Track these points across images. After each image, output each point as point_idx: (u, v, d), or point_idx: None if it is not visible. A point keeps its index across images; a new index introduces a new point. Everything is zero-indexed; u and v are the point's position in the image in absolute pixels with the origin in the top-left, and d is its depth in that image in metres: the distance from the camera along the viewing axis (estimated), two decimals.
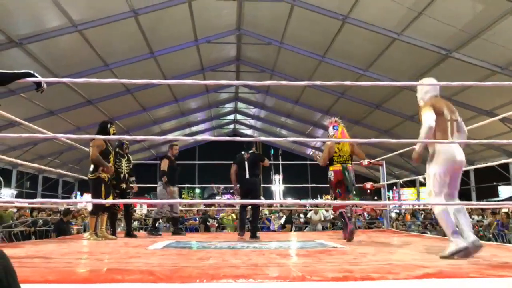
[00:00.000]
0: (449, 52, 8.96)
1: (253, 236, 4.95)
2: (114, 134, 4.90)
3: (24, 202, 6.06)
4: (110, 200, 4.56)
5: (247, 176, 5.15)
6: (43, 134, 4.26)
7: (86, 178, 4.85)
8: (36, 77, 2.80)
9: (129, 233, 5.63)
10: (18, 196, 15.55)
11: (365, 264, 2.66)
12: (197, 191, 26.06)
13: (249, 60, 13.52)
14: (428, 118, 3.06)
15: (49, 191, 17.37)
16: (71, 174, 8.66)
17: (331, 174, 5.02)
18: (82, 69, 10.40)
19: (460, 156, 3.04)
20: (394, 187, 19.23)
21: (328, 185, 5.11)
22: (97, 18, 8.67)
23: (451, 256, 2.82)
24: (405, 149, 5.71)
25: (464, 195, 13.47)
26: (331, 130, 5.14)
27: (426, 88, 3.30)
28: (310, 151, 19.54)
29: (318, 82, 3.51)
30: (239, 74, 14.93)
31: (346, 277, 2.14)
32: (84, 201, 5.23)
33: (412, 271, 2.27)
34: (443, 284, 2.05)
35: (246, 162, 5.22)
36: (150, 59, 11.05)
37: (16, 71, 2.76)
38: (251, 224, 5.12)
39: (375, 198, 21.77)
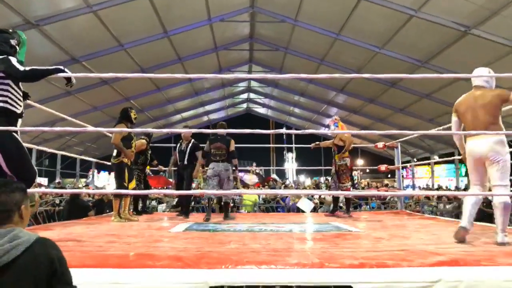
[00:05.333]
0: (468, 29, 8.76)
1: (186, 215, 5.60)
2: (135, 118, 5.05)
3: (60, 192, 6.48)
4: (150, 191, 4.78)
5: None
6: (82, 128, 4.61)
7: (102, 159, 5.07)
8: (67, 72, 2.90)
9: (144, 210, 6.35)
10: (38, 173, 16.17)
11: (381, 250, 2.76)
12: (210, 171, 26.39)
13: (262, 38, 13.42)
14: (452, 125, 3.44)
15: (68, 169, 17.87)
16: (88, 158, 8.87)
17: (347, 160, 5.58)
18: (97, 49, 10.51)
19: (479, 148, 3.11)
20: (409, 165, 19.19)
21: (343, 169, 5.42)
22: None
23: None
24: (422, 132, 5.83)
25: None
26: (332, 127, 5.78)
27: (472, 79, 3.37)
28: (323, 129, 19.50)
29: (367, 75, 3.50)
30: (253, 53, 14.86)
31: (363, 264, 2.24)
32: (114, 191, 5.41)
33: (426, 259, 2.37)
34: (456, 272, 2.14)
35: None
36: (164, 38, 11.08)
37: (48, 67, 2.86)
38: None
39: (389, 176, 21.74)
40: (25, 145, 2.86)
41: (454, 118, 3.39)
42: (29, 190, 1.78)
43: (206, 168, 5.72)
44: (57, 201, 7.60)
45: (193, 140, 5.92)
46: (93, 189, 12.33)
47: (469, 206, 3.18)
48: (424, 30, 9.42)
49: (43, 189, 8.95)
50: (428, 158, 18.53)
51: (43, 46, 9.31)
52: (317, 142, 6.44)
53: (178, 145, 5.98)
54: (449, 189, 16.96)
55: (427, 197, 10.67)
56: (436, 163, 20.01)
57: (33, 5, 8.15)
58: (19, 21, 8.18)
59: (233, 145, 5.51)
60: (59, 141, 15.52)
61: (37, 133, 13.66)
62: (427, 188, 17.55)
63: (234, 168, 5.79)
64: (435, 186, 18.33)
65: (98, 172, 21.22)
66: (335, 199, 6.15)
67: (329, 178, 6.39)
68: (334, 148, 5.82)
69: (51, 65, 2.95)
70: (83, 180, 20.15)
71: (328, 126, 6.34)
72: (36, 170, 2.90)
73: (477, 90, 3.26)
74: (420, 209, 9.10)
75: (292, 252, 2.69)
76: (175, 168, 6.14)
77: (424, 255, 2.51)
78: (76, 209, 6.33)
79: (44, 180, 18.29)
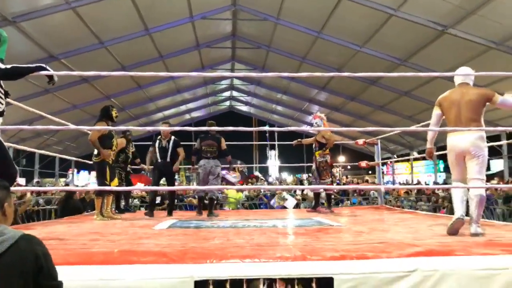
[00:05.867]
0: (445, 28, 8.99)
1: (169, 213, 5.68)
2: (116, 116, 5.01)
3: (45, 190, 6.40)
4: (143, 187, 4.73)
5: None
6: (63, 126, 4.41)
7: (82, 158, 5.03)
8: (49, 70, 2.88)
9: (126, 208, 6.33)
10: None
11: (361, 243, 2.85)
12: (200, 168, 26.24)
13: (245, 36, 13.44)
14: (432, 116, 3.50)
15: (46, 169, 17.50)
16: (67, 157, 8.75)
17: (328, 157, 5.75)
18: (76, 46, 10.34)
19: (462, 143, 3.20)
20: (389, 162, 19.55)
21: (323, 166, 5.54)
22: None
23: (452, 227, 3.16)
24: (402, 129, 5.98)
25: None
26: (319, 121, 5.94)
27: (456, 77, 3.49)
28: (305, 127, 19.68)
29: (346, 74, 3.59)
30: (235, 51, 14.85)
31: (343, 257, 2.32)
32: (95, 188, 5.38)
33: (403, 250, 2.46)
34: (432, 262, 2.23)
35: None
36: (145, 36, 10.97)
37: (30, 65, 2.84)
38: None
39: (369, 172, 22.08)
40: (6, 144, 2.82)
41: (436, 111, 3.45)
42: (14, 189, 1.78)
43: (195, 166, 5.79)
44: (40, 201, 7.48)
45: (173, 136, 5.86)
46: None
47: (459, 199, 3.24)
48: (403, 29, 9.62)
49: (31, 187, 8.75)
50: (408, 155, 18.95)
51: (20, 43, 9.10)
52: (299, 140, 6.54)
53: (158, 142, 5.79)
54: (427, 185, 17.37)
55: (407, 192, 10.94)
56: (415, 159, 20.45)
57: (9, 1, 7.97)
58: None
59: (224, 143, 5.73)
60: (37, 140, 15.17)
61: (14, 132, 13.34)
62: (407, 183, 17.95)
63: (228, 165, 6.21)
64: (415, 182, 18.77)
65: (78, 172, 20.87)
66: (317, 195, 6.23)
67: (310, 175, 6.37)
68: (315, 144, 5.93)
69: (28, 62, 2.92)
70: (63, 179, 19.78)
71: (311, 124, 6.46)
72: (17, 169, 2.87)
73: (462, 88, 3.37)
74: (400, 204, 9.32)
75: (275, 246, 2.74)
76: (152, 166, 6.03)
77: (402, 246, 2.60)
78: (69, 209, 6.26)
79: (22, 180, 17.86)
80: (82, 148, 17.67)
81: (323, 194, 6.62)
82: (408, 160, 20.70)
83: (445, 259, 2.28)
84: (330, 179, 5.85)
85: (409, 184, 15.56)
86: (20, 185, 14.49)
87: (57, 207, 6.77)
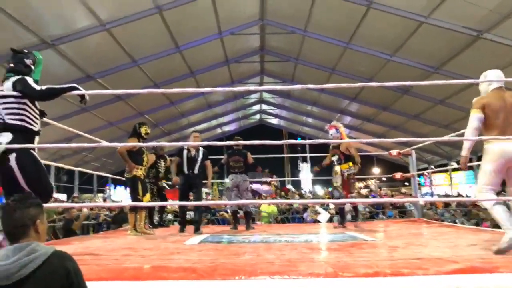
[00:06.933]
0: (480, 33, 8.68)
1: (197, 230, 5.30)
2: (146, 133, 5.14)
3: (87, 206, 6.77)
4: (172, 202, 4.82)
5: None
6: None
7: (118, 174, 5.19)
8: (80, 90, 3.00)
9: (160, 223, 6.45)
10: (56, 189, 16.65)
11: (396, 259, 2.73)
12: (227, 181, 26.44)
13: (273, 49, 13.53)
14: (472, 119, 3.11)
15: (85, 185, 18.13)
16: (102, 174, 9.01)
17: (355, 169, 5.63)
18: (111, 66, 10.75)
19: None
20: (426, 173, 18.87)
21: (351, 179, 5.42)
22: (124, 16, 8.91)
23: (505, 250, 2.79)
24: (439, 138, 5.71)
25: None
26: (334, 132, 5.71)
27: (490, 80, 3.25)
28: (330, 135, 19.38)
29: (375, 84, 3.53)
30: (264, 64, 14.96)
31: (377, 273, 2.22)
32: (128, 204, 5.48)
33: (442, 267, 2.33)
34: (473, 280, 2.10)
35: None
36: (176, 53, 11.27)
37: (63, 86, 2.96)
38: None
39: (405, 184, 21.46)
40: (44, 161, 2.94)
41: (478, 115, 3.10)
42: (54, 205, 1.83)
43: (219, 180, 5.96)
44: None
45: (201, 148, 5.65)
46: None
47: (504, 213, 2.94)
48: (435, 36, 9.37)
49: (60, 204, 9.09)
50: (446, 165, 18.22)
51: (59, 65, 9.57)
52: (317, 167, 6.22)
53: (186, 152, 5.50)
54: (469, 196, 16.60)
55: (447, 205, 10.47)
56: (454, 169, 19.64)
57: (49, 26, 8.41)
58: (36, 41, 8.43)
59: (250, 157, 5.87)
60: (76, 157, 15.79)
61: (55, 150, 13.95)
62: (446, 195, 17.23)
63: (261, 178, 6.22)
64: (454, 193, 17.96)
65: (115, 187, 21.46)
66: (342, 209, 5.95)
67: (331, 189, 6.00)
68: (340, 157, 5.66)
69: (67, 83, 3.06)
70: (100, 195, 20.39)
71: (326, 131, 6.02)
72: (53, 186, 2.97)
73: (500, 92, 3.16)
74: (439, 217, 8.94)
75: (306, 262, 2.68)
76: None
77: (440, 263, 2.47)
78: (118, 221, 6.61)
79: (63, 196, 18.58)
80: (118, 164, 18.20)
81: (347, 208, 6.44)
82: (446, 171, 19.90)
83: (488, 277, 2.14)
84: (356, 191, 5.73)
85: (447, 196, 14.93)
86: (62, 201, 15.11)
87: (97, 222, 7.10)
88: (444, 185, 21.24)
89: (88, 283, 1.62)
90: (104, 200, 17.12)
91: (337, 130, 5.69)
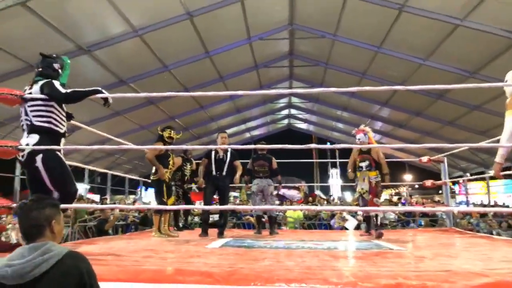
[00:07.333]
0: None
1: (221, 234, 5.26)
2: (169, 136, 5.21)
3: (122, 207, 6.98)
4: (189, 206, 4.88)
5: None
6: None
7: (148, 176, 5.28)
8: (104, 93, 3.08)
9: (185, 226, 6.57)
10: (90, 190, 17.35)
11: (421, 270, 2.61)
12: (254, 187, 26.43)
13: (302, 54, 13.44)
14: (509, 122, 2.90)
15: (118, 186, 18.67)
16: (133, 177, 9.22)
17: (380, 176, 5.37)
18: (143, 71, 11.01)
19: None
20: (461, 181, 18.12)
21: (378, 186, 5.21)
22: (155, 22, 9.12)
23: None
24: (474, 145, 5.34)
25: None
26: (362, 136, 5.48)
27: None
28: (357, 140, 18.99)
29: (401, 87, 3.44)
30: (293, 69, 14.91)
31: (399, 285, 2.13)
32: (156, 206, 5.52)
33: (470, 280, 2.20)
34: None
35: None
36: (206, 58, 11.41)
37: (87, 89, 3.05)
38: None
39: (439, 192, 20.73)
40: (78, 164, 3.05)
41: None
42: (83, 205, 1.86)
43: (248, 184, 5.92)
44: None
45: (229, 148, 5.59)
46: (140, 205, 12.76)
47: None
48: (472, 39, 9.01)
49: (77, 205, 9.37)
50: (483, 173, 17.42)
51: (94, 70, 9.92)
52: (350, 173, 5.66)
53: (214, 153, 5.40)
54: (507, 206, 15.78)
55: (483, 215, 10.00)
56: (492, 178, 18.76)
57: (84, 32, 8.73)
58: (72, 48, 8.78)
59: (275, 162, 5.87)
60: (109, 159, 16.28)
61: (89, 152, 14.46)
62: (482, 205, 16.48)
63: (278, 183, 6.08)
64: (492, 203, 17.13)
65: (146, 189, 21.93)
66: (368, 217, 5.65)
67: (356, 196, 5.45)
68: (372, 163, 5.33)
69: (101, 87, 3.13)
70: (132, 196, 20.90)
71: (353, 136, 5.69)
72: (78, 187, 3.05)
73: None
74: (474, 227, 8.54)
75: (325, 270, 2.61)
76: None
77: (469, 276, 2.34)
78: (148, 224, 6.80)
79: (96, 197, 19.19)
80: (149, 167, 18.42)
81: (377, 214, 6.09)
82: (483, 179, 19.03)
83: None
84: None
85: (484, 206, 14.25)
86: (95, 202, 15.60)
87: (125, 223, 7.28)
88: (481, 194, 20.34)
89: (104, 284, 1.64)
90: (134, 201, 17.53)
91: (365, 135, 5.47)
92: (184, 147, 5.99)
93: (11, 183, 11.21)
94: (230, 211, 7.03)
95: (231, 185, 5.53)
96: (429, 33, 9.37)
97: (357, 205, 5.35)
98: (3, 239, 5.63)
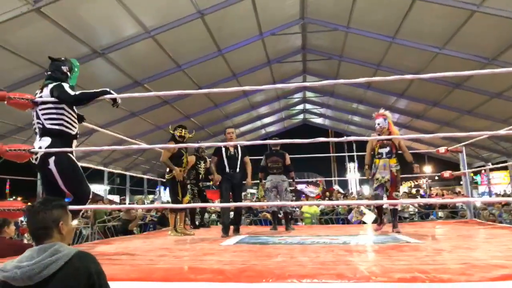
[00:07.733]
0: None
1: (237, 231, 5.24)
2: (180, 135, 5.24)
3: (138, 208, 7.12)
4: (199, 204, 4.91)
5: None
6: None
7: (163, 176, 5.33)
8: (112, 94, 3.11)
9: (201, 224, 6.60)
10: (110, 191, 17.66)
11: (438, 263, 2.55)
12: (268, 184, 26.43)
13: (315, 48, 13.31)
14: None
15: (137, 186, 18.96)
16: (150, 177, 9.31)
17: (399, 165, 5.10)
18: (157, 71, 11.11)
19: None
20: (483, 171, 17.68)
21: (399, 175, 5.00)
22: (167, 22, 9.16)
23: None
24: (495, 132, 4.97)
25: None
26: (382, 121, 5.15)
27: None
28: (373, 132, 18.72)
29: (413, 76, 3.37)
30: (306, 63, 14.79)
31: (414, 279, 2.09)
32: (170, 206, 5.54)
33: (488, 272, 2.14)
34: None
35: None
36: (218, 56, 11.43)
37: (95, 90, 3.09)
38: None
39: (460, 183, 20.20)
40: (97, 166, 3.10)
41: None
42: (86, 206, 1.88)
43: (264, 181, 5.88)
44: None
45: (238, 144, 5.46)
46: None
47: None
48: (489, 25, 8.74)
49: (89, 206, 9.55)
50: (505, 162, 16.96)
51: (109, 72, 10.06)
52: (367, 168, 5.32)
53: (224, 150, 5.31)
54: None
55: (506, 204, 9.73)
56: None
57: (98, 36, 8.85)
58: (87, 51, 8.92)
59: (288, 158, 5.83)
60: (127, 160, 16.52)
61: (108, 153, 14.70)
62: (505, 195, 16.04)
63: (291, 180, 5.96)
64: None
65: (165, 189, 22.20)
66: (381, 209, 5.45)
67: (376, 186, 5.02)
68: (393, 149, 5.02)
69: (116, 89, 3.19)
70: (151, 196, 21.19)
71: (373, 119, 5.32)
72: (91, 189, 3.09)
73: None
74: (496, 218, 8.32)
75: (339, 265, 2.58)
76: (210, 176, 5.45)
77: (488, 268, 2.27)
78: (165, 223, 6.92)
79: (116, 197, 19.54)
80: (166, 167, 18.79)
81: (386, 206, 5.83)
82: (506, 168, 18.54)
83: None
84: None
85: (506, 196, 13.87)
86: (115, 203, 15.89)
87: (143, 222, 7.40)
88: (504, 183, 19.82)
89: (116, 283, 1.65)
90: (152, 201, 17.76)
91: (385, 120, 5.13)
92: (193, 145, 5.94)
93: (35, 187, 11.49)
94: (246, 208, 7.00)
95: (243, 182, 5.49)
96: (444, 20, 9.15)
97: (375, 195, 4.98)
98: (25, 241, 5.79)
